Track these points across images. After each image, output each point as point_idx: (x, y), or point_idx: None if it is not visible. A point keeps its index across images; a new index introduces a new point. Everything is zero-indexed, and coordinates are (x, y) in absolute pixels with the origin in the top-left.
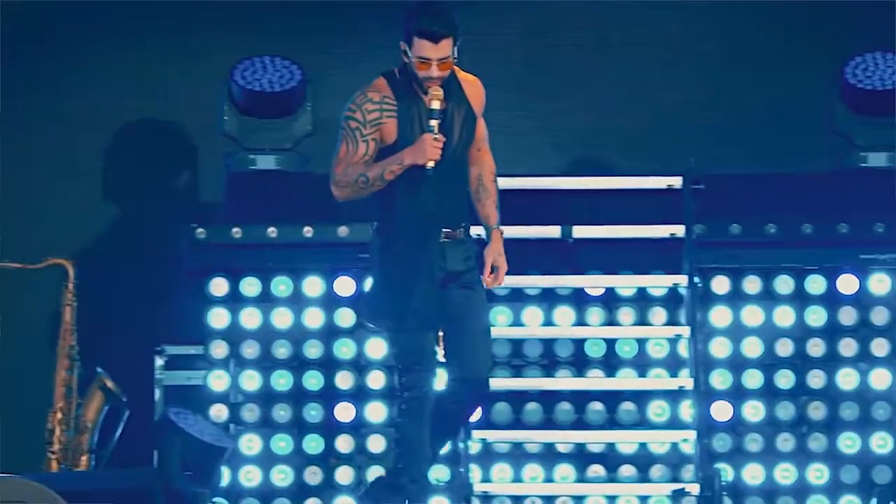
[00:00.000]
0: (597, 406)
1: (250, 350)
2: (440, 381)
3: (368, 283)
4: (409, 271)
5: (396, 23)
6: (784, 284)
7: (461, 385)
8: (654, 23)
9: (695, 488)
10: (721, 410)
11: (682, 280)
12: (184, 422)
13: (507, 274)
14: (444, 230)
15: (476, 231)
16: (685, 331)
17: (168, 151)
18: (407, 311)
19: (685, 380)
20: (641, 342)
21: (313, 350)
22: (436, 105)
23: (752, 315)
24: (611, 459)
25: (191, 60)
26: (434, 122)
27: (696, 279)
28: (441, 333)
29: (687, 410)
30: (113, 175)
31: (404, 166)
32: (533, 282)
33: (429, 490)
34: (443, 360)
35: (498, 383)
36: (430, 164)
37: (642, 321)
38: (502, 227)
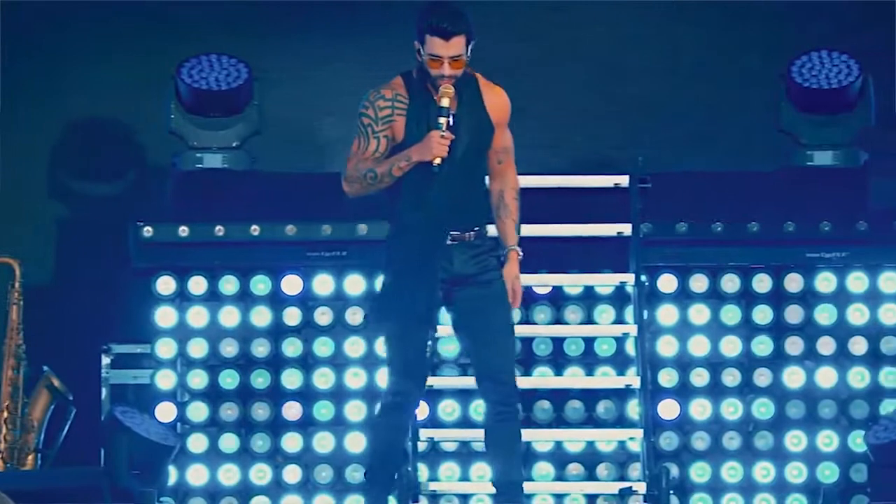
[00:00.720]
0: (544, 405)
1: (197, 349)
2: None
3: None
4: (414, 273)
5: (343, 22)
6: (730, 283)
7: (486, 384)
8: (599, 22)
9: (642, 487)
10: (668, 409)
11: (629, 278)
12: (130, 420)
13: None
14: (452, 232)
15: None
16: (632, 329)
17: (115, 150)
18: (408, 312)
19: (632, 378)
20: (588, 341)
21: (261, 349)
22: (444, 102)
23: (699, 313)
24: (558, 458)
25: (137, 58)
26: (442, 120)
27: (643, 277)
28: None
29: (634, 409)
30: (59, 173)
31: (411, 163)
32: None
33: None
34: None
35: (445, 382)
36: (437, 161)
37: (589, 320)
38: (518, 250)
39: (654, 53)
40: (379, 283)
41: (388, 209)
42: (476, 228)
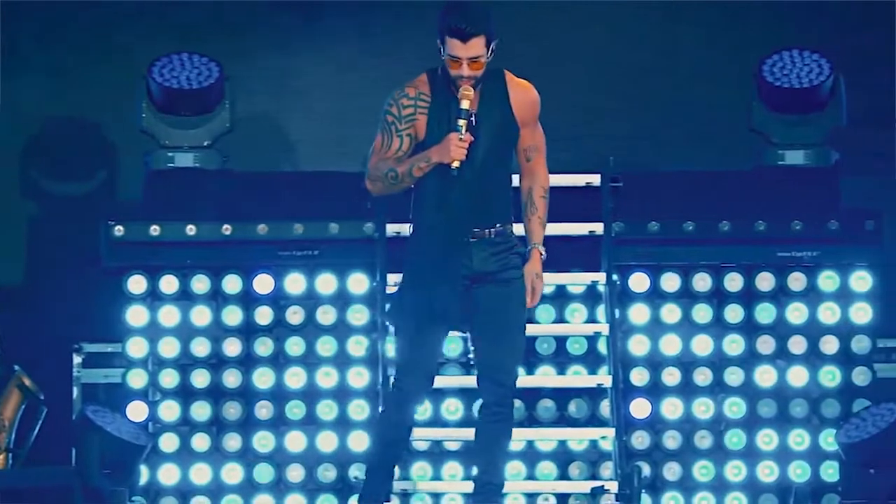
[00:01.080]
0: (516, 403)
1: (168, 348)
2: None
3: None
4: (434, 272)
5: (315, 20)
6: (702, 282)
7: (485, 383)
8: (570, 22)
9: (614, 486)
10: (640, 408)
11: (600, 277)
12: (102, 420)
13: None
14: (473, 230)
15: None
16: (604, 328)
17: (86, 149)
18: (424, 310)
19: (604, 377)
20: (560, 340)
21: (232, 348)
22: (465, 105)
23: (671, 312)
24: (529, 457)
25: (109, 57)
26: (462, 122)
27: (615, 276)
28: (469, 335)
29: (606, 408)
30: (31, 172)
31: (431, 164)
32: None
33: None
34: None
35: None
36: (455, 164)
37: (561, 318)
38: (541, 248)
39: (625, 54)
40: (396, 281)
41: (408, 209)
42: (497, 226)
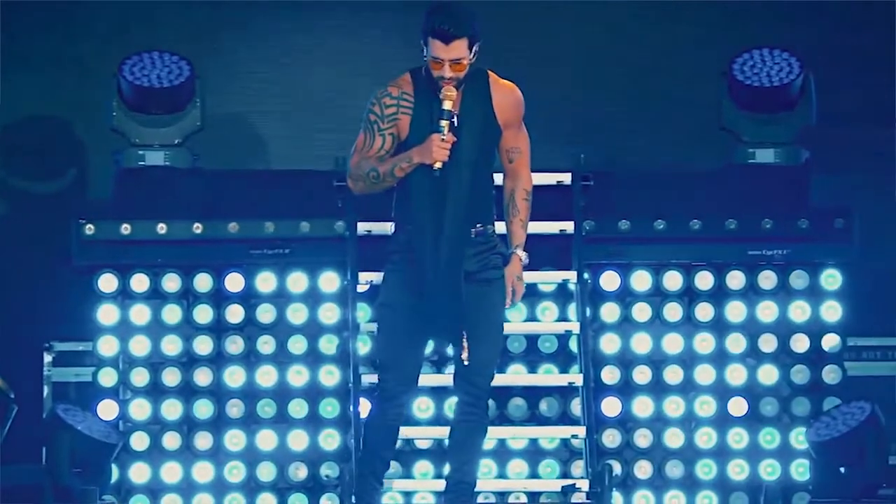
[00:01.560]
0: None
1: (139, 346)
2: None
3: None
4: (426, 272)
5: (288, 19)
6: (672, 280)
7: (460, 382)
8: (541, 18)
9: (585, 484)
10: (610, 406)
11: (571, 276)
12: (72, 418)
13: None
14: (459, 227)
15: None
16: (575, 326)
17: (56, 147)
18: (416, 312)
19: (575, 376)
20: (531, 338)
21: (203, 346)
22: (446, 105)
23: (641, 311)
24: (500, 455)
25: (79, 55)
26: (444, 123)
27: (586, 275)
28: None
29: (577, 406)
30: (0, 171)
31: (413, 164)
32: None
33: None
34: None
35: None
36: (437, 164)
37: (532, 317)
38: (521, 253)
39: (596, 52)
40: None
41: (379, 207)
42: (479, 226)
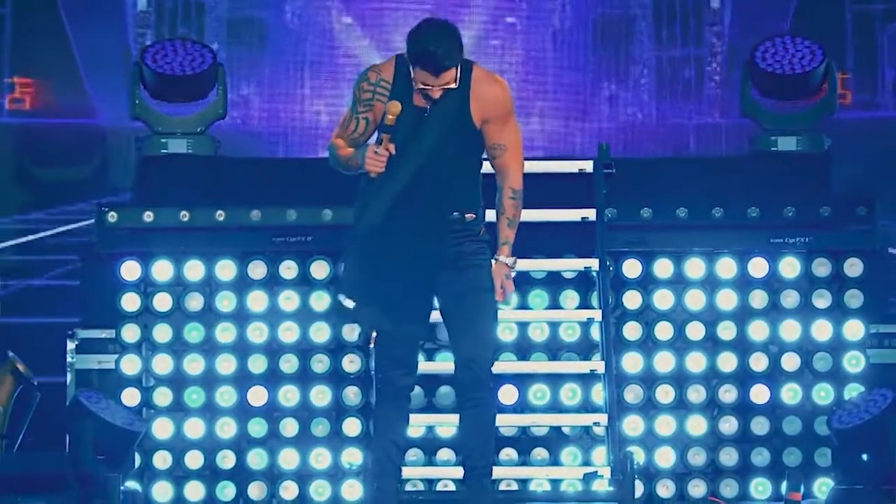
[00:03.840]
0: (509, 389)
1: (162, 334)
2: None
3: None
4: (395, 258)
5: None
6: (695, 268)
7: (459, 370)
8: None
9: (607, 471)
10: (633, 394)
11: (593, 263)
12: (95, 406)
13: None
14: (434, 217)
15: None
16: (597, 314)
17: (80, 135)
18: (395, 305)
19: (597, 363)
20: (553, 325)
21: (226, 334)
22: (388, 120)
23: (664, 298)
24: (523, 443)
25: (101, 42)
26: (384, 136)
27: (608, 262)
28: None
29: (599, 394)
30: (26, 160)
31: (360, 166)
32: None
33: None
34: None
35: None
36: (372, 175)
37: (554, 304)
38: (503, 257)
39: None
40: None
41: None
42: (455, 214)
